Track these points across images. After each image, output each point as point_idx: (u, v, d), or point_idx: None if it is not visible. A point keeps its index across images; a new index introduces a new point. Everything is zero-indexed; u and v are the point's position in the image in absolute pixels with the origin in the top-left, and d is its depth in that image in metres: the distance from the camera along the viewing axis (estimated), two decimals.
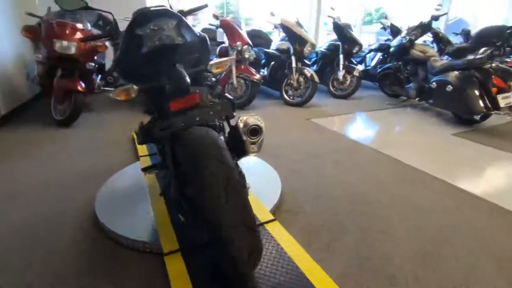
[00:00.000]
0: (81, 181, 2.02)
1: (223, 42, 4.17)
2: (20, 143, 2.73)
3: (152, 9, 0.79)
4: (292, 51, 4.27)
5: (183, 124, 0.77)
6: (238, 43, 3.93)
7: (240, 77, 4.04)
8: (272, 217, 1.55)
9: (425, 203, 1.82)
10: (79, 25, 3.19)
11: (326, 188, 1.99)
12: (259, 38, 5.28)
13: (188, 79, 0.76)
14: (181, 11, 1.79)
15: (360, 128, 3.67)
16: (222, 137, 1.25)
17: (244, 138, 1.18)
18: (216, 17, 4.07)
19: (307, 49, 4.24)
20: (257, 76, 3.96)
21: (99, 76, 3.84)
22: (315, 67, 5.41)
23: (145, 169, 1.49)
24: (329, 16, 4.94)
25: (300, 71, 4.26)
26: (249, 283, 1.03)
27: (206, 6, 1.85)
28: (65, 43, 2.99)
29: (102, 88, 3.71)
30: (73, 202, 1.75)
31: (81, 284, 1.18)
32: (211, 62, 0.89)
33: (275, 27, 4.33)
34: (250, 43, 4.09)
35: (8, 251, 1.37)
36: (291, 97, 4.42)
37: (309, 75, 4.16)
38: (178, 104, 0.74)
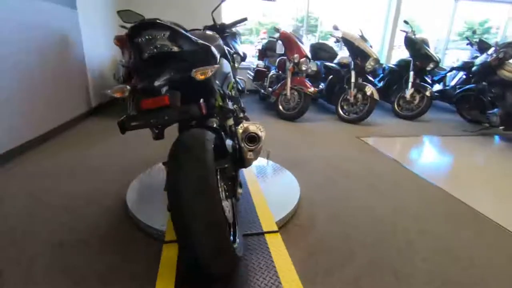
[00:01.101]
0: (138, 167, 2.26)
1: (283, 54, 4.26)
2: (102, 131, 3.31)
3: (145, 21, 0.90)
4: (352, 65, 4.09)
5: (152, 121, 0.85)
6: (296, 55, 3.98)
7: (294, 89, 4.06)
8: (275, 229, 1.53)
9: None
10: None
11: (348, 211, 1.86)
12: (323, 51, 5.22)
13: (158, 82, 0.84)
14: (222, 25, 1.96)
15: (418, 153, 3.28)
16: (228, 142, 1.30)
17: (242, 144, 1.22)
18: (277, 30, 4.20)
19: (369, 64, 4.01)
20: (311, 89, 3.92)
21: None
22: (381, 83, 5.07)
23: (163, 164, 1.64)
24: (402, 30, 4.60)
25: (359, 86, 4.04)
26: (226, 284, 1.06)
27: (246, 19, 1.97)
28: None
29: None
30: (119, 184, 2.02)
31: (95, 248, 1.39)
32: (195, 69, 0.96)
33: (337, 40, 4.22)
34: (309, 56, 4.09)
35: (52, 214, 1.69)
36: (346, 113, 4.22)
37: (368, 92, 3.92)
38: (148, 103, 0.82)
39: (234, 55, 2.28)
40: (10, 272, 1.26)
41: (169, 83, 0.88)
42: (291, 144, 3.14)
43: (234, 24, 1.98)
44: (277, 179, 2.13)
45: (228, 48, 2.05)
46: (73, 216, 1.69)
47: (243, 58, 4.20)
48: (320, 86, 4.75)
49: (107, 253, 1.39)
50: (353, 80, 4.06)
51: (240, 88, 3.86)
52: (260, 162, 2.41)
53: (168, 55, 0.92)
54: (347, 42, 4.06)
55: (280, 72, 4.54)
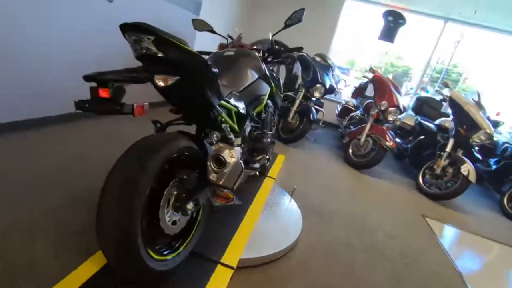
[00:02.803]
0: None
1: (372, 97, 3.91)
2: None
3: (131, 23, 0.98)
4: (453, 132, 3.39)
5: (91, 108, 0.90)
6: (384, 102, 3.59)
7: (371, 136, 3.66)
8: (233, 265, 1.41)
9: None
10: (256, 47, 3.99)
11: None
12: (429, 107, 4.53)
13: (108, 76, 0.88)
14: (278, 49, 1.96)
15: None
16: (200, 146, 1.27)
17: (208, 162, 1.18)
18: (373, 70, 3.88)
19: (477, 138, 3.23)
20: (389, 143, 3.44)
21: None
22: (495, 166, 4.01)
23: None
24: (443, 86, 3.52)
25: (454, 159, 3.31)
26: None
27: (301, 48, 1.91)
28: None
29: None
30: None
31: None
32: (157, 75, 0.97)
33: (443, 99, 3.58)
34: (401, 107, 3.62)
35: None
36: (426, 184, 3.50)
37: (464, 170, 3.14)
38: (94, 91, 0.88)
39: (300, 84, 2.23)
40: None
41: (134, 79, 0.93)
42: (335, 192, 2.83)
43: (290, 50, 1.95)
44: (282, 218, 1.96)
45: (272, 73, 2.03)
46: None
47: (330, 90, 4.08)
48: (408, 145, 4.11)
49: None
50: (448, 149, 3.36)
51: (312, 118, 3.76)
52: (278, 193, 2.27)
53: (154, 58, 0.99)
54: (454, 104, 3.39)
55: (365, 115, 4.18)
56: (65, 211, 1.55)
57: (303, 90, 3.99)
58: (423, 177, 3.57)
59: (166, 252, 1.19)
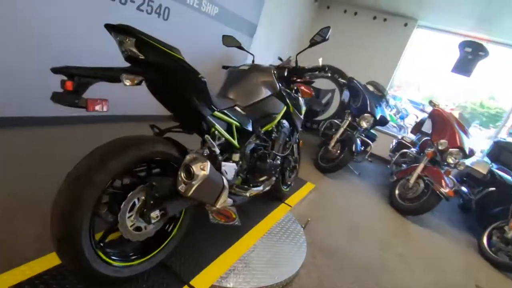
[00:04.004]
0: None
1: (429, 134, 3.41)
2: None
3: (114, 25, 0.99)
4: None
5: (58, 99, 0.91)
6: (443, 141, 3.08)
7: (422, 179, 3.15)
8: None
9: None
10: None
11: None
12: (509, 154, 3.74)
13: (68, 70, 0.89)
14: (303, 68, 1.85)
15: None
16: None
17: (179, 171, 1.12)
18: (432, 104, 3.39)
19: None
20: (445, 189, 2.90)
21: None
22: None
23: None
24: None
25: None
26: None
27: (324, 68, 1.77)
28: None
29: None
30: None
31: None
32: (125, 74, 0.95)
33: None
34: (465, 149, 3.06)
35: None
36: (492, 248, 2.81)
37: None
38: (62, 84, 0.90)
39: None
40: None
41: (102, 76, 0.95)
42: (362, 235, 2.45)
43: (311, 70, 1.81)
44: (282, 252, 1.75)
45: (290, 92, 1.90)
46: None
47: (381, 122, 3.72)
48: (468, 193, 3.40)
49: None
50: None
51: (354, 150, 3.43)
52: (289, 222, 2.06)
53: (136, 60, 1.01)
54: None
55: (421, 154, 3.65)
56: None
57: (349, 119, 3.71)
58: (488, 239, 2.87)
59: (122, 259, 1.14)
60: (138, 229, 1.15)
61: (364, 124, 3.60)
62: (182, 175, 1.12)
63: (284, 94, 1.77)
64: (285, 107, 1.79)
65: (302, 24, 5.62)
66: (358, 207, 3.08)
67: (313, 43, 1.78)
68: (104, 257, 1.05)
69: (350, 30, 5.54)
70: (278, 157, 1.80)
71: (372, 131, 4.44)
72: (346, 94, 4.03)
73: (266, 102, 1.65)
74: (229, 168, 1.43)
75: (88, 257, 0.97)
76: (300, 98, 1.97)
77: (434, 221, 3.30)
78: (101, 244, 1.08)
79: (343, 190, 3.38)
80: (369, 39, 5.39)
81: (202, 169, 1.11)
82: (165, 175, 1.20)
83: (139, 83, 0.97)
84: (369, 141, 3.83)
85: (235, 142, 1.47)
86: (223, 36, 2.03)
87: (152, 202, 1.14)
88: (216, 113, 1.33)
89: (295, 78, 1.93)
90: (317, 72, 1.90)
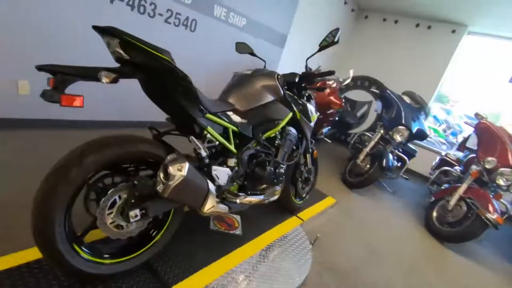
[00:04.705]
0: None
1: (474, 150, 2.99)
2: None
3: (99, 26, 1.02)
4: None
5: (44, 96, 0.95)
6: (490, 159, 2.69)
7: (465, 201, 2.76)
8: None
9: None
10: (330, 82, 3.76)
11: None
12: None
13: (50, 67, 0.92)
14: (308, 73, 1.77)
15: None
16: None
17: (158, 171, 1.10)
18: (479, 117, 2.97)
19: None
20: (492, 215, 2.50)
21: (328, 128, 4.28)
22: None
23: None
24: None
25: None
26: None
27: (333, 72, 1.66)
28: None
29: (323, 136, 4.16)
30: None
31: None
32: (104, 71, 0.96)
33: None
34: None
35: None
36: None
37: None
38: (49, 82, 0.95)
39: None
40: None
41: (82, 75, 0.98)
42: (385, 260, 2.20)
43: (321, 75, 1.69)
44: (281, 268, 1.63)
45: (296, 97, 1.80)
46: None
47: (418, 136, 3.39)
48: None
49: None
50: None
51: (385, 165, 3.15)
52: (297, 237, 1.93)
53: (126, 61, 1.04)
54: None
55: (466, 173, 3.22)
56: None
57: (381, 131, 3.44)
58: None
59: (102, 256, 1.15)
60: (118, 227, 1.15)
61: (397, 138, 3.30)
62: (161, 175, 1.10)
63: (289, 99, 1.69)
64: (291, 113, 1.71)
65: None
66: (385, 227, 2.78)
67: (322, 47, 1.69)
68: (80, 251, 1.06)
69: (390, 40, 5.25)
70: (281, 165, 1.71)
71: (411, 146, 4.07)
72: (378, 105, 3.76)
73: (268, 107, 1.58)
74: (222, 173, 1.38)
75: (61, 249, 0.99)
76: (308, 105, 1.86)
77: (480, 251, 2.85)
78: (82, 239, 1.11)
79: (370, 208, 3.10)
80: (411, 49, 5.04)
81: (179, 170, 1.08)
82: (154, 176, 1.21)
83: (114, 81, 0.99)
84: (404, 156, 3.50)
85: (231, 147, 1.43)
86: (236, 43, 2.04)
87: (133, 201, 1.14)
88: (209, 115, 1.31)
89: (305, 84, 1.84)
90: (325, 76, 1.77)
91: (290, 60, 4.50)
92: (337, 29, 1.62)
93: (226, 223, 1.85)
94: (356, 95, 5.59)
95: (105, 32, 1.01)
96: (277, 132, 1.67)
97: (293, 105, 1.71)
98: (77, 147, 1.03)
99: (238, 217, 1.95)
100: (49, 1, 2.11)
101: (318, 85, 1.86)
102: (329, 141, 4.29)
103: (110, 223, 1.12)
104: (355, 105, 5.69)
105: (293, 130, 1.77)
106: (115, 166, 1.18)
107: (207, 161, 1.28)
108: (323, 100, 3.88)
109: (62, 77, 0.95)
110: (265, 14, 3.73)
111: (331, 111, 4.02)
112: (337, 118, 4.51)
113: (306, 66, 1.87)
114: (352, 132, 5.29)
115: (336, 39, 1.62)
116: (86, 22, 2.28)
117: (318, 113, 2.01)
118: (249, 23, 3.57)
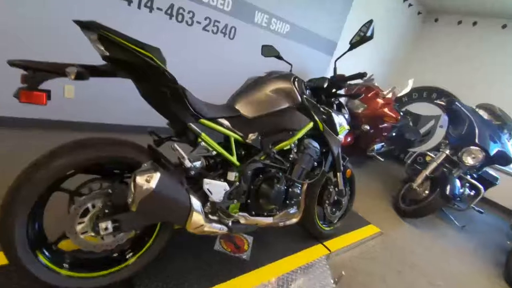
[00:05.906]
0: None
1: None
2: None
3: (80, 21, 0.93)
4: None
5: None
6: None
7: None
8: None
9: None
10: (385, 92, 3.31)
11: None
12: None
13: (21, 62, 0.85)
14: (341, 76, 1.49)
15: None
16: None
17: (130, 180, 0.96)
18: None
19: None
20: None
21: (382, 144, 3.78)
22: None
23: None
24: None
25: None
26: None
27: (364, 74, 1.35)
28: (357, 102, 3.32)
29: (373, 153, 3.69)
30: None
31: None
32: (75, 67, 0.85)
33: None
34: None
35: None
36: None
37: None
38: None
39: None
40: None
41: (51, 70, 0.91)
42: None
43: (351, 78, 1.38)
44: None
45: (317, 104, 1.49)
46: None
47: (498, 160, 2.73)
48: None
49: None
50: None
51: (448, 193, 2.57)
52: (318, 271, 1.61)
53: (106, 58, 0.96)
54: None
55: None
56: None
57: (447, 151, 2.85)
58: None
59: (71, 268, 1.05)
60: (93, 238, 1.05)
61: (468, 161, 2.68)
62: (131, 185, 0.97)
63: (310, 106, 1.42)
64: (311, 123, 1.44)
65: (401, 41, 4.89)
66: (444, 274, 2.19)
67: (353, 44, 1.40)
68: (44, 259, 0.98)
69: (468, 44, 4.47)
70: (296, 184, 1.44)
71: (491, 171, 3.29)
72: (444, 120, 3.15)
73: (281, 115, 1.35)
74: (216, 188, 1.20)
75: (20, 254, 0.92)
76: (334, 114, 1.55)
77: None
78: (53, 247, 1.03)
79: (426, 245, 2.52)
80: (495, 54, 4.20)
81: (147, 181, 0.93)
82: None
83: (80, 78, 0.90)
84: (478, 184, 2.82)
85: (232, 158, 1.24)
86: (262, 46, 1.87)
87: (106, 211, 1.03)
88: (204, 121, 1.15)
89: (335, 90, 1.56)
90: (356, 78, 1.45)
91: (343, 70, 4.14)
92: (370, 21, 1.33)
93: (234, 244, 1.65)
94: (421, 108, 4.88)
95: (84, 26, 0.94)
96: (293, 145, 1.42)
97: (314, 113, 1.44)
98: (52, 149, 0.97)
99: (250, 238, 1.72)
100: (90, 12, 2.25)
101: (353, 91, 1.57)
102: (381, 159, 3.75)
103: (82, 233, 1.03)
104: (418, 119, 4.97)
105: (314, 143, 1.49)
106: (104, 170, 1.10)
107: (193, 172, 1.11)
108: (375, 113, 3.42)
109: (33, 73, 0.89)
110: (310, 20, 3.50)
111: (385, 125, 3.52)
112: (393, 134, 3.96)
113: (335, 69, 1.59)
114: (412, 150, 4.59)
115: (369, 34, 1.32)
116: (129, 33, 2.40)
117: (349, 127, 1.68)
118: (293, 29, 3.38)
